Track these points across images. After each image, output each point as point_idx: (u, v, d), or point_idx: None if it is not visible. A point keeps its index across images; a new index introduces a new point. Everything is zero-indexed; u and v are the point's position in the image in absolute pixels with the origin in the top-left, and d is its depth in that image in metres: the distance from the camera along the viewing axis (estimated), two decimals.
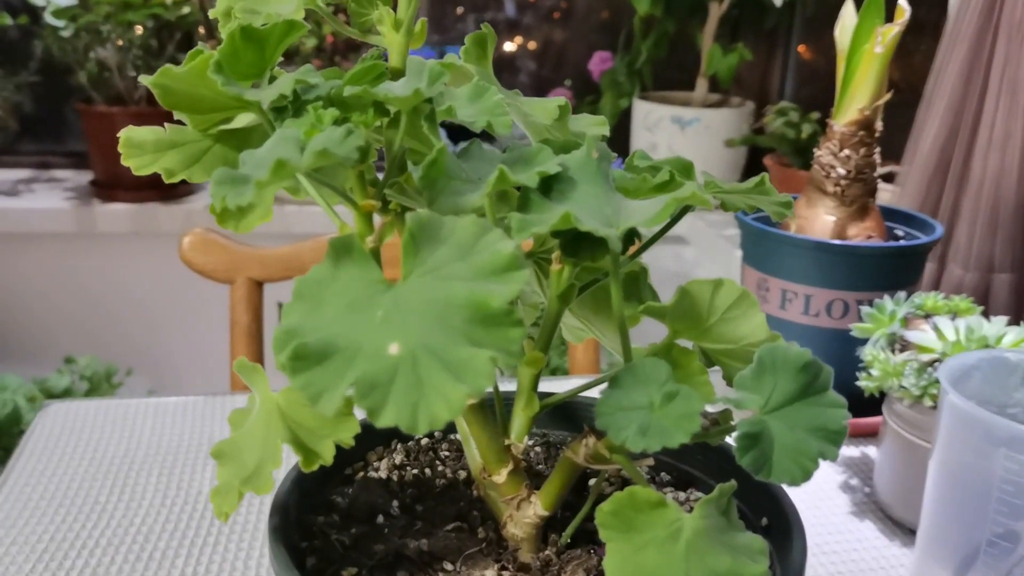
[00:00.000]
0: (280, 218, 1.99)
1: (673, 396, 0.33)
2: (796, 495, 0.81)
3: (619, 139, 2.25)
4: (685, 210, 0.42)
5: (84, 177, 2.19)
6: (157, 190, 2.05)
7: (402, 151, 0.42)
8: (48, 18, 1.86)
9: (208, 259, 1.07)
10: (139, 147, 0.40)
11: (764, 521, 0.45)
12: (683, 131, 2.07)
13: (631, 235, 0.38)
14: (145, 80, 0.37)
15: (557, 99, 0.47)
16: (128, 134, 0.40)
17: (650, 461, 0.39)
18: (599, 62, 2.27)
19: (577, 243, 0.38)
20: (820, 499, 0.82)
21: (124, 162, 0.40)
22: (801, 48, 2.35)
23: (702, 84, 2.18)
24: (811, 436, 0.33)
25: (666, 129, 2.09)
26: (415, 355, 0.29)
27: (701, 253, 2.08)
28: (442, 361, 0.29)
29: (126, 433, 0.88)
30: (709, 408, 0.39)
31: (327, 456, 0.37)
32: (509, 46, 2.57)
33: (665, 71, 2.33)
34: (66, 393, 1.91)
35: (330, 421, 0.37)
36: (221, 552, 0.71)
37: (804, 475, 0.32)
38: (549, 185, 0.37)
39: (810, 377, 0.34)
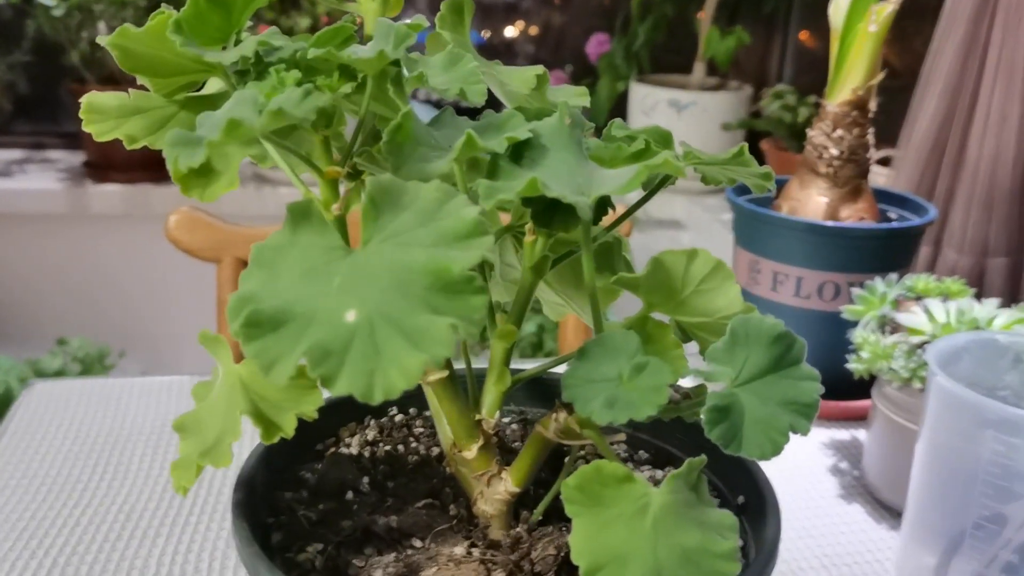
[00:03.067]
0: (274, 199, 1.98)
1: (642, 368, 0.32)
2: (785, 478, 0.81)
3: None
4: (664, 181, 0.41)
5: (77, 158, 2.18)
6: (150, 171, 2.04)
7: (372, 117, 0.41)
8: None
9: (194, 238, 1.06)
10: (101, 113, 0.39)
11: (741, 499, 0.44)
12: (680, 114, 2.06)
13: (604, 205, 0.37)
14: (102, 40, 0.36)
15: (535, 68, 0.46)
16: (90, 99, 0.39)
17: (622, 437, 0.39)
18: (596, 45, 2.25)
19: (550, 212, 0.37)
20: (809, 482, 0.81)
21: (85, 128, 0.39)
22: (803, 35, 2.33)
23: (699, 67, 2.17)
24: (782, 409, 0.32)
25: (663, 112, 2.08)
26: (372, 322, 0.28)
27: (697, 238, 2.07)
28: (400, 329, 0.28)
29: (111, 412, 0.88)
30: (684, 382, 0.39)
31: (288, 429, 0.36)
32: (510, 31, 2.56)
33: (663, 54, 2.31)
34: (59, 374, 1.91)
35: (293, 393, 0.36)
36: (203, 531, 0.70)
37: (774, 449, 0.31)
38: (520, 152, 0.36)
39: (782, 349, 0.33)
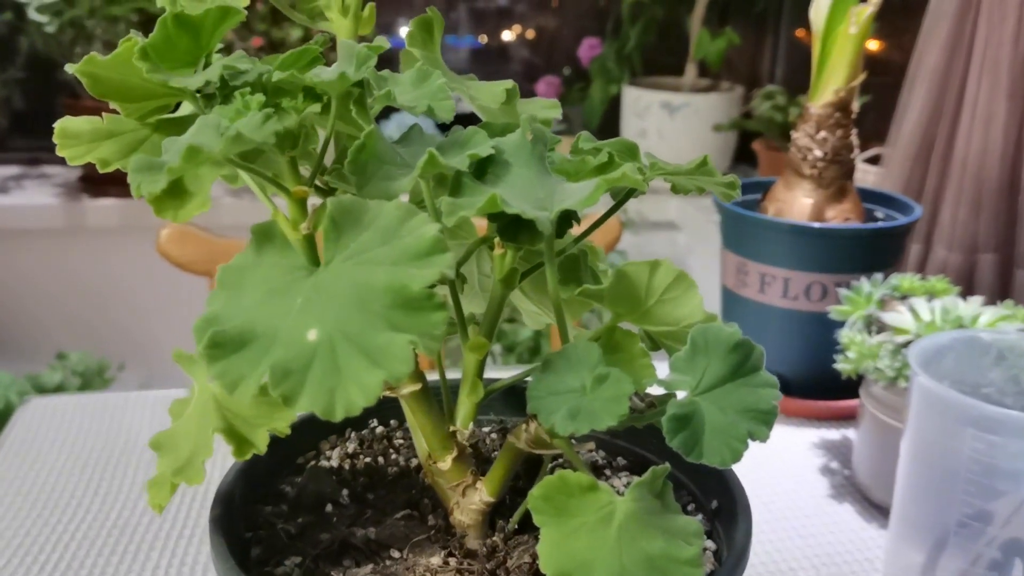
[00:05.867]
0: (267, 213, 1.99)
1: (603, 379, 0.32)
2: (777, 479, 0.81)
3: (609, 126, 2.24)
4: (630, 193, 0.42)
5: (73, 173, 2.19)
6: None
7: (342, 137, 0.42)
8: (32, 14, 1.86)
9: (185, 251, 1.07)
10: (75, 137, 0.39)
11: (714, 504, 0.45)
12: (672, 116, 2.06)
13: (568, 218, 0.37)
14: (71, 69, 0.37)
15: (504, 82, 0.47)
16: (63, 124, 0.39)
17: (590, 446, 0.39)
18: (588, 49, 2.26)
19: (516, 227, 0.37)
20: (799, 483, 0.82)
21: (59, 152, 0.39)
22: (800, 32, 2.34)
23: (691, 69, 2.17)
24: (741, 417, 0.33)
25: (655, 115, 2.09)
26: (333, 341, 0.29)
27: (693, 239, 2.07)
28: (360, 347, 0.29)
29: (104, 427, 0.88)
30: (651, 391, 0.39)
31: (260, 445, 0.37)
32: (505, 35, 2.56)
33: (655, 56, 2.32)
34: (59, 389, 1.91)
35: (265, 410, 0.37)
36: (196, 544, 0.71)
37: (733, 456, 0.32)
38: (484, 168, 0.36)
39: (741, 357, 0.34)
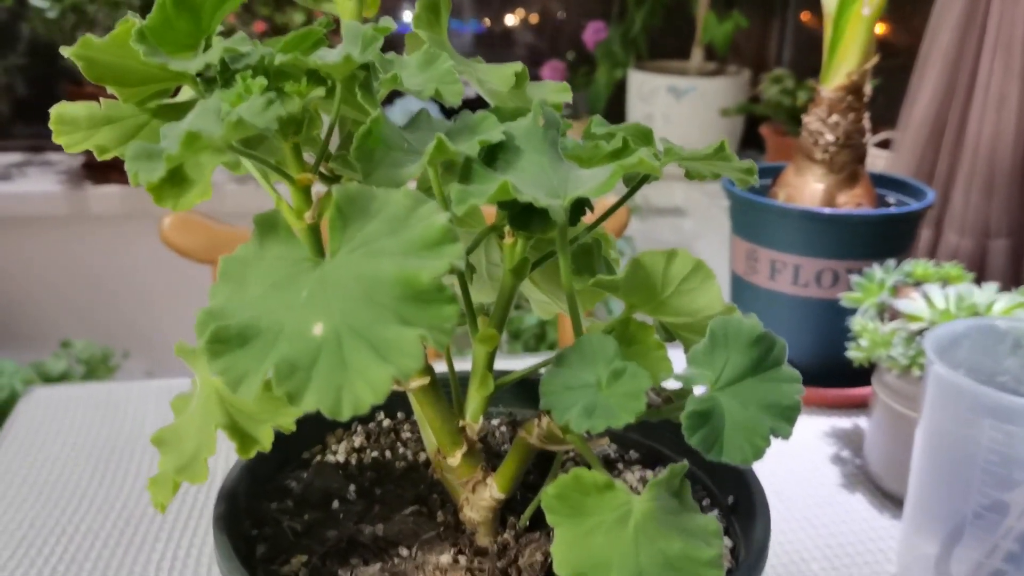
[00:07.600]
0: (268, 200, 1.98)
1: (620, 374, 0.31)
2: (787, 468, 0.80)
3: (614, 110, 2.22)
4: (644, 179, 0.41)
5: (76, 159, 2.18)
6: None
7: (347, 123, 0.40)
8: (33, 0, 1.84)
9: (188, 239, 1.06)
10: (72, 124, 0.38)
11: (731, 499, 0.44)
12: (679, 101, 2.04)
13: (581, 205, 0.36)
14: (66, 52, 0.35)
15: (514, 65, 0.46)
16: (60, 110, 0.38)
17: (604, 441, 0.38)
18: (593, 33, 2.24)
19: (528, 215, 0.36)
20: (811, 472, 0.80)
21: (56, 139, 0.38)
22: (805, 16, 2.31)
23: (698, 53, 2.15)
24: (763, 413, 0.31)
25: (662, 99, 2.07)
26: (339, 335, 0.28)
27: (700, 224, 2.05)
28: (368, 341, 0.28)
29: (108, 418, 0.88)
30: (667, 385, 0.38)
31: (265, 442, 0.36)
32: (509, 19, 2.54)
33: (661, 40, 2.30)
34: (63, 377, 1.91)
35: (270, 405, 0.36)
36: (202, 536, 0.70)
37: (755, 453, 0.31)
38: (494, 154, 0.35)
39: (763, 351, 0.32)
